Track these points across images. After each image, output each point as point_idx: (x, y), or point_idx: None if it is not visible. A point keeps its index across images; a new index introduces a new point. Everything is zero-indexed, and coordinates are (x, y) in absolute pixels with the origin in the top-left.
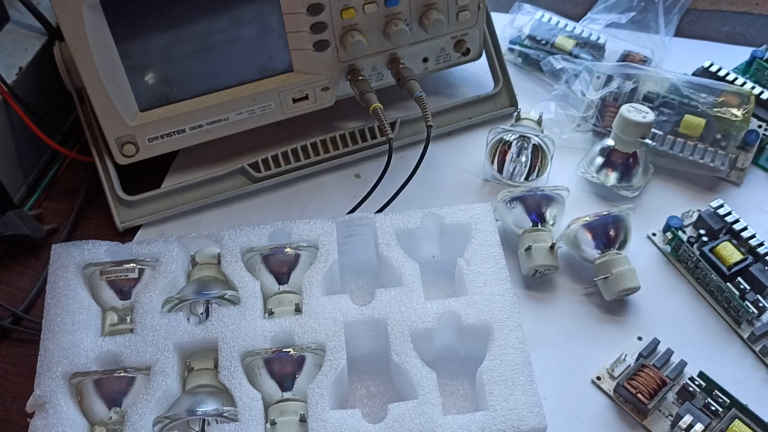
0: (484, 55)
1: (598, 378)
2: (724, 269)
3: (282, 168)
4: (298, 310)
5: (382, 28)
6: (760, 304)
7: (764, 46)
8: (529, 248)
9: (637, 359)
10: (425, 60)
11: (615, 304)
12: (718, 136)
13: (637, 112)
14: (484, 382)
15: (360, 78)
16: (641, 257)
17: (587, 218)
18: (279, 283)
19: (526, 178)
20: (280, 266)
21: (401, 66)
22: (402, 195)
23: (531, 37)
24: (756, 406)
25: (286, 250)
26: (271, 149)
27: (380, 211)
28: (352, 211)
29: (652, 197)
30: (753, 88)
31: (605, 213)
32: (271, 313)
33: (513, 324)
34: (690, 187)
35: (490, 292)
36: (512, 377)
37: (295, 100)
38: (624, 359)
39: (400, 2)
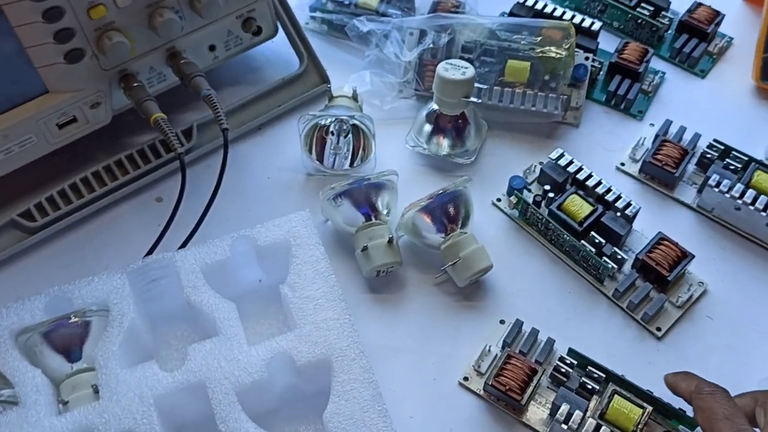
0: (281, 31)
1: (465, 378)
2: (576, 226)
3: (63, 210)
4: (97, 391)
5: (147, 21)
6: (619, 257)
7: None
8: (365, 249)
9: (503, 348)
10: (212, 48)
11: (469, 289)
12: (546, 77)
13: (456, 69)
14: (331, 430)
15: (135, 85)
16: (489, 227)
17: (422, 202)
18: (70, 362)
19: (351, 164)
20: (68, 341)
21: (182, 61)
22: (216, 212)
23: (333, 0)
24: (632, 369)
25: (70, 321)
26: (46, 190)
27: (185, 243)
28: (153, 248)
29: (490, 158)
30: (573, 17)
31: (440, 192)
32: (65, 403)
33: (354, 352)
34: (528, 139)
35: (322, 319)
36: (362, 417)
37: (60, 126)
38: (489, 351)
39: None
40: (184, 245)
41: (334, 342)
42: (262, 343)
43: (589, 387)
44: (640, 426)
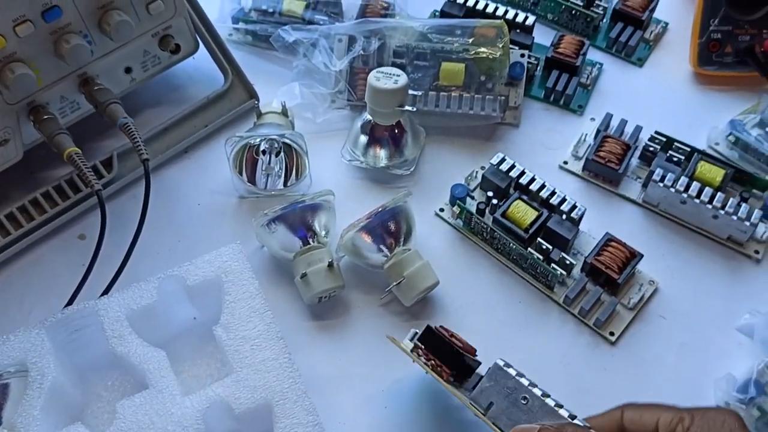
0: (203, 46)
1: None
2: (521, 233)
3: None
4: None
5: (52, 48)
6: (567, 262)
7: None
8: (304, 275)
9: None
10: (128, 70)
11: (417, 307)
12: (482, 78)
13: (387, 78)
14: None
15: (46, 117)
16: (434, 239)
17: (360, 222)
18: None
19: (285, 184)
20: None
21: (96, 88)
22: (144, 247)
23: (256, 9)
24: (587, 377)
25: None
26: None
27: (110, 287)
28: (76, 293)
29: (431, 165)
30: (506, 12)
31: (379, 210)
32: None
33: (295, 394)
34: (468, 143)
35: (260, 360)
36: None
37: None
38: None
39: (64, 12)
40: (108, 290)
41: (274, 384)
42: (197, 393)
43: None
44: None
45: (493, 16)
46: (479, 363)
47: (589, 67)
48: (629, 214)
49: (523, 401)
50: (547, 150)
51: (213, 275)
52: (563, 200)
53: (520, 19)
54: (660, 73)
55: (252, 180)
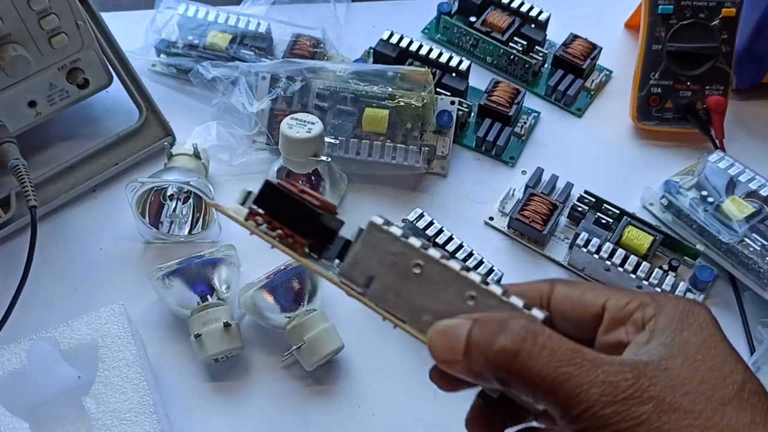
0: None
1: None
2: None
3: None
4: None
5: None
6: None
7: None
8: (198, 336)
9: None
10: (33, 104)
11: (321, 371)
12: (408, 125)
13: (301, 126)
14: None
15: None
16: (346, 298)
17: (261, 281)
18: None
19: (190, 231)
20: None
21: None
22: (38, 293)
23: (181, 41)
24: None
25: None
26: None
27: None
28: None
29: (349, 216)
30: (440, 54)
31: (282, 267)
32: None
33: None
34: (392, 193)
35: None
36: None
37: None
38: None
39: None
40: None
41: None
42: None
43: None
44: None
45: (426, 58)
46: (342, 222)
47: (525, 116)
48: (554, 276)
49: (415, 270)
50: (474, 203)
51: (89, 339)
52: (480, 263)
53: (454, 62)
54: (599, 125)
55: (156, 224)
